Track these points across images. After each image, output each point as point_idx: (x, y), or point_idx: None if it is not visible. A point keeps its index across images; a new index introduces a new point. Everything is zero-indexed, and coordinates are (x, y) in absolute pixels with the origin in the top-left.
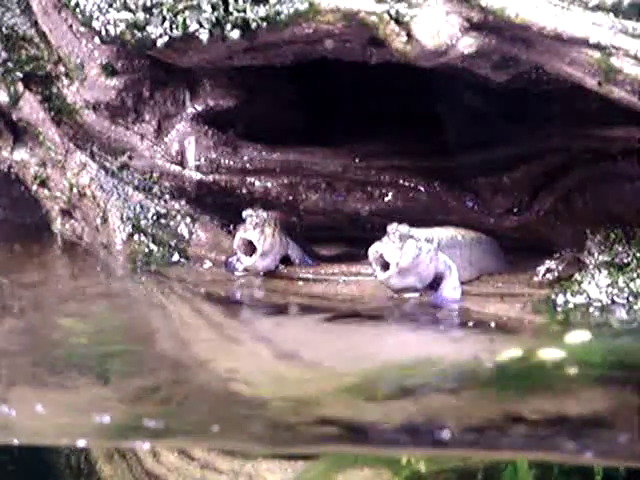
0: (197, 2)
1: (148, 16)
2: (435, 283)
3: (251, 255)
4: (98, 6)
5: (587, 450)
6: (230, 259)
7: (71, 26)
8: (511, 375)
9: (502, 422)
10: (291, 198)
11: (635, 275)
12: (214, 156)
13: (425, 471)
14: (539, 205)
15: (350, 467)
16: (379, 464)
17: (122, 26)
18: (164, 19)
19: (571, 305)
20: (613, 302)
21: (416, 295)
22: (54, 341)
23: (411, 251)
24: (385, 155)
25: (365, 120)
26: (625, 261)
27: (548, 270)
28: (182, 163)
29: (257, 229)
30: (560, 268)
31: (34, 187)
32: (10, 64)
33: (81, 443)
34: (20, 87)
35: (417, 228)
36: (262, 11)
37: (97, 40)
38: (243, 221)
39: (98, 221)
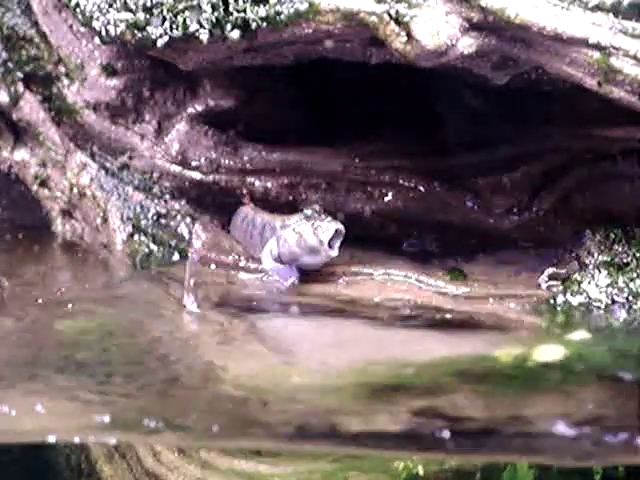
0: (197, 2)
1: (148, 16)
2: None
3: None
4: (98, 6)
5: None
6: (283, 266)
7: (71, 26)
8: None
9: None
10: (291, 198)
11: (635, 275)
12: (214, 156)
13: (423, 474)
14: (539, 205)
15: (351, 470)
16: (377, 469)
17: (122, 26)
18: (164, 19)
19: (571, 305)
20: (613, 302)
21: None
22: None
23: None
24: (385, 155)
25: (365, 120)
26: (625, 261)
27: (551, 277)
28: (182, 163)
29: None
30: (563, 272)
31: (34, 187)
32: (10, 64)
33: None
34: (20, 87)
35: None
36: (262, 11)
37: (97, 40)
38: (308, 217)
39: (98, 221)
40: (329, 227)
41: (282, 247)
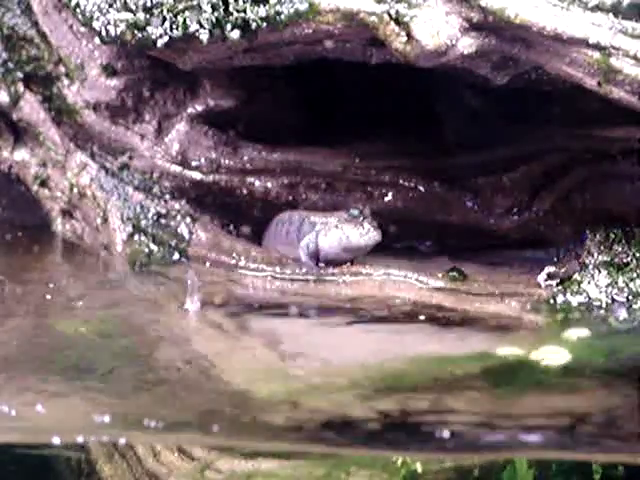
0: (197, 2)
1: (148, 16)
2: None
3: None
4: (98, 6)
5: None
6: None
7: (71, 26)
8: None
9: None
10: (291, 198)
11: (635, 275)
12: (214, 156)
13: (422, 471)
14: (539, 205)
15: (351, 467)
16: (376, 465)
17: (122, 26)
18: (164, 19)
19: (571, 305)
20: (613, 302)
21: None
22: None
23: None
24: (385, 155)
25: (365, 120)
26: (625, 261)
27: (549, 276)
28: (182, 163)
29: None
30: (561, 272)
31: (34, 187)
32: (10, 64)
33: None
34: (20, 87)
35: None
36: (262, 11)
37: (97, 40)
38: (354, 217)
39: (98, 221)
40: (372, 231)
41: (323, 243)
